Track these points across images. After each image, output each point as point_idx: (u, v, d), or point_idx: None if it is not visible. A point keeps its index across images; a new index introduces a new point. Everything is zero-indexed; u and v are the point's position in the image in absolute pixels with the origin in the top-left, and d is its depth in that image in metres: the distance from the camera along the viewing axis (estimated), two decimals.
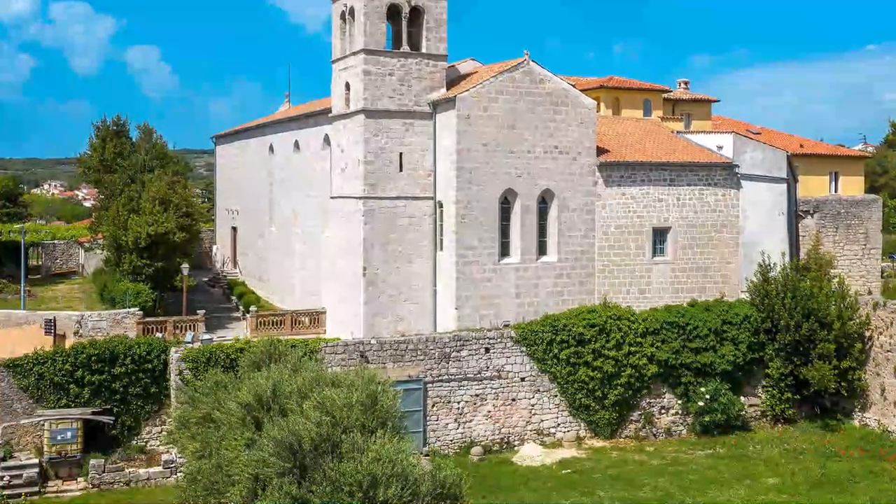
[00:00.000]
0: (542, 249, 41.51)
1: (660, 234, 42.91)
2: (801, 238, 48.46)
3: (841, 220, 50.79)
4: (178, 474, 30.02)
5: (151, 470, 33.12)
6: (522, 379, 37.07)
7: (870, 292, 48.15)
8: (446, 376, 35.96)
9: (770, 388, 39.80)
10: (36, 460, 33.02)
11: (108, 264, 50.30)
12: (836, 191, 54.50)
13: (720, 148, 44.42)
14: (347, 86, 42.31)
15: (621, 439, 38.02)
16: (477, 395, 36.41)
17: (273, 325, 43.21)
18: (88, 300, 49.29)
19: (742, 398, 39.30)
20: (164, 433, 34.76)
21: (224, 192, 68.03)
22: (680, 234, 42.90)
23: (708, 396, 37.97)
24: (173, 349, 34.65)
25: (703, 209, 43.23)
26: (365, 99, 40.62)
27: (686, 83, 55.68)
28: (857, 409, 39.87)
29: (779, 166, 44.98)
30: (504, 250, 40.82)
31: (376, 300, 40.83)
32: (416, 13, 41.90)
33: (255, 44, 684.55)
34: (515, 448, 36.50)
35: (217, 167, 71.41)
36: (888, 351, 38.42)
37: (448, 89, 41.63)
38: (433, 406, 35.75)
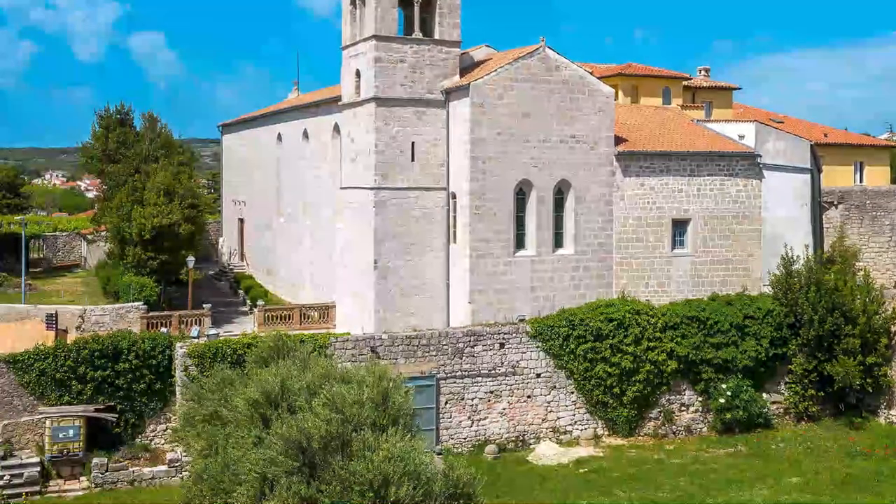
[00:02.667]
0: (558, 242, 40.71)
1: (680, 226, 42.05)
2: (825, 230, 47.70)
3: (866, 212, 49.84)
4: (184, 473, 30.06)
5: (156, 469, 32.86)
6: (538, 375, 36.77)
7: None
8: (460, 372, 35.62)
9: (793, 385, 39.59)
10: (37, 459, 32.70)
11: (112, 257, 50.06)
12: (861, 181, 54.17)
13: (742, 137, 43.60)
14: (358, 73, 41.49)
15: (640, 437, 37.77)
16: (491, 392, 36.11)
17: (281, 319, 42.63)
18: (91, 294, 49.09)
19: (764, 395, 39.11)
20: (168, 431, 34.57)
21: (231, 182, 67.55)
22: (700, 225, 42.11)
23: (729, 393, 37.82)
24: (178, 344, 34.33)
25: (724, 200, 42.40)
26: (376, 87, 39.76)
27: (707, 70, 54.98)
28: (882, 406, 39.55)
29: (802, 156, 44.14)
30: (519, 243, 40.06)
31: (387, 294, 40.07)
32: None
33: (262, 30, 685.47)
34: (531, 446, 36.21)
35: (223, 157, 71.06)
36: None
37: (461, 77, 40.77)
38: (446, 403, 35.45)
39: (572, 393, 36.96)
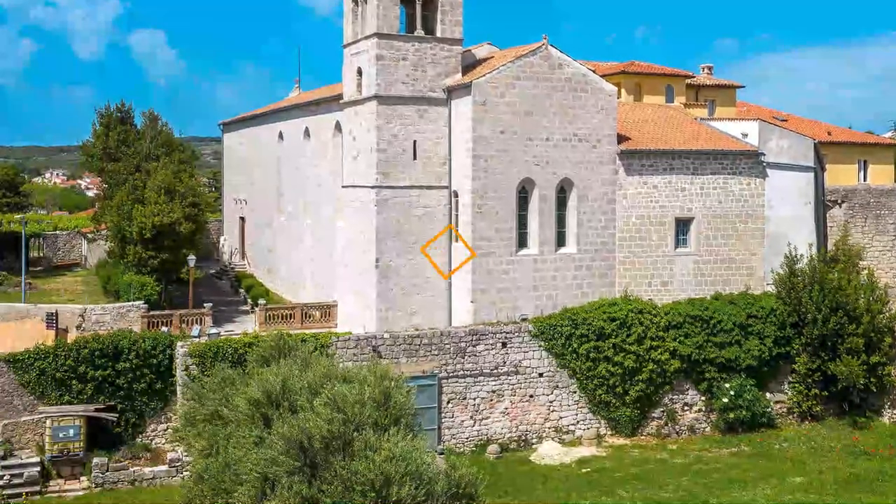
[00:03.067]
0: (560, 241, 40.49)
1: (683, 225, 41.83)
2: (828, 229, 47.53)
3: (870, 210, 49.61)
4: (185, 473, 29.84)
5: (157, 469, 32.77)
6: (540, 374, 36.63)
7: None
8: (462, 372, 35.49)
9: (797, 384, 39.53)
10: (37, 459, 32.57)
11: (112, 256, 49.79)
12: (864, 180, 53.96)
13: (745, 135, 43.36)
14: (359, 71, 41.28)
15: (643, 437, 37.71)
16: (493, 392, 35.99)
17: (282, 318, 42.42)
18: (91, 293, 48.78)
19: (768, 394, 39.09)
20: (169, 431, 34.41)
21: (232, 181, 67.34)
22: (703, 224, 41.90)
23: (732, 393, 37.75)
24: (179, 344, 34.23)
25: (727, 199, 42.17)
26: (378, 85, 39.55)
27: (710, 68, 54.85)
28: (886, 406, 39.78)
29: (806, 154, 43.92)
30: (521, 241, 39.88)
31: (389, 293, 39.86)
32: None
33: (262, 29, 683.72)
34: (533, 446, 36.13)
35: (224, 155, 70.84)
36: None
37: (463, 75, 40.58)
38: (448, 402, 35.32)
39: (575, 392, 36.82)
